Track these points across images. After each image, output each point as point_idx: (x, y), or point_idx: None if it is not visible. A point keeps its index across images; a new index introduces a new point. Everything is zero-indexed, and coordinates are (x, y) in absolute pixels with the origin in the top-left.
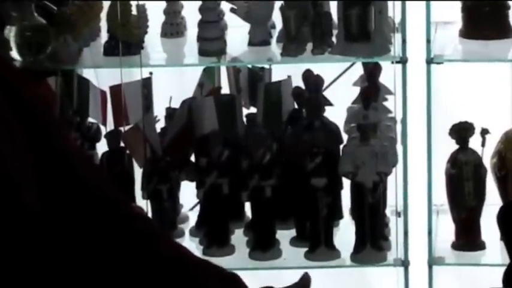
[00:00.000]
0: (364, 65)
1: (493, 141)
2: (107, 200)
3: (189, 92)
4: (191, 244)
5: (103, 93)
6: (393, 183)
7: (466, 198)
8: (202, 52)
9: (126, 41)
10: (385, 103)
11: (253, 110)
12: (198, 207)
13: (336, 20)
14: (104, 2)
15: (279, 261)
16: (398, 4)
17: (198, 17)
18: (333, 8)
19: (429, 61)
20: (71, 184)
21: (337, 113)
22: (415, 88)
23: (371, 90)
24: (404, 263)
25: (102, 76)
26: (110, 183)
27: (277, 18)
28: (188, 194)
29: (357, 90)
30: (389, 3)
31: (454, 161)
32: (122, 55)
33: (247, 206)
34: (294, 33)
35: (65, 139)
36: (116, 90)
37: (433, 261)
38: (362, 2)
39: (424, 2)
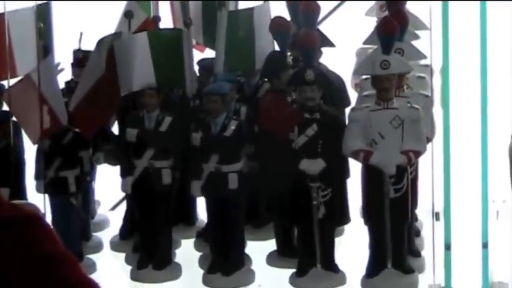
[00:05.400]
0: None
1: None
2: None
3: (111, 26)
4: (113, 263)
5: None
6: (428, 168)
7: None
8: None
9: None
10: (416, 43)
11: (210, 53)
12: (123, 206)
13: None
14: None
15: None
16: None
17: None
18: None
19: None
20: None
21: (340, 58)
22: (463, 20)
23: (393, 23)
24: None
25: None
26: None
27: None
28: (108, 185)
29: (371, 22)
30: None
31: None
32: None
33: (201, 204)
34: None
35: None
36: None
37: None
38: None
39: None
